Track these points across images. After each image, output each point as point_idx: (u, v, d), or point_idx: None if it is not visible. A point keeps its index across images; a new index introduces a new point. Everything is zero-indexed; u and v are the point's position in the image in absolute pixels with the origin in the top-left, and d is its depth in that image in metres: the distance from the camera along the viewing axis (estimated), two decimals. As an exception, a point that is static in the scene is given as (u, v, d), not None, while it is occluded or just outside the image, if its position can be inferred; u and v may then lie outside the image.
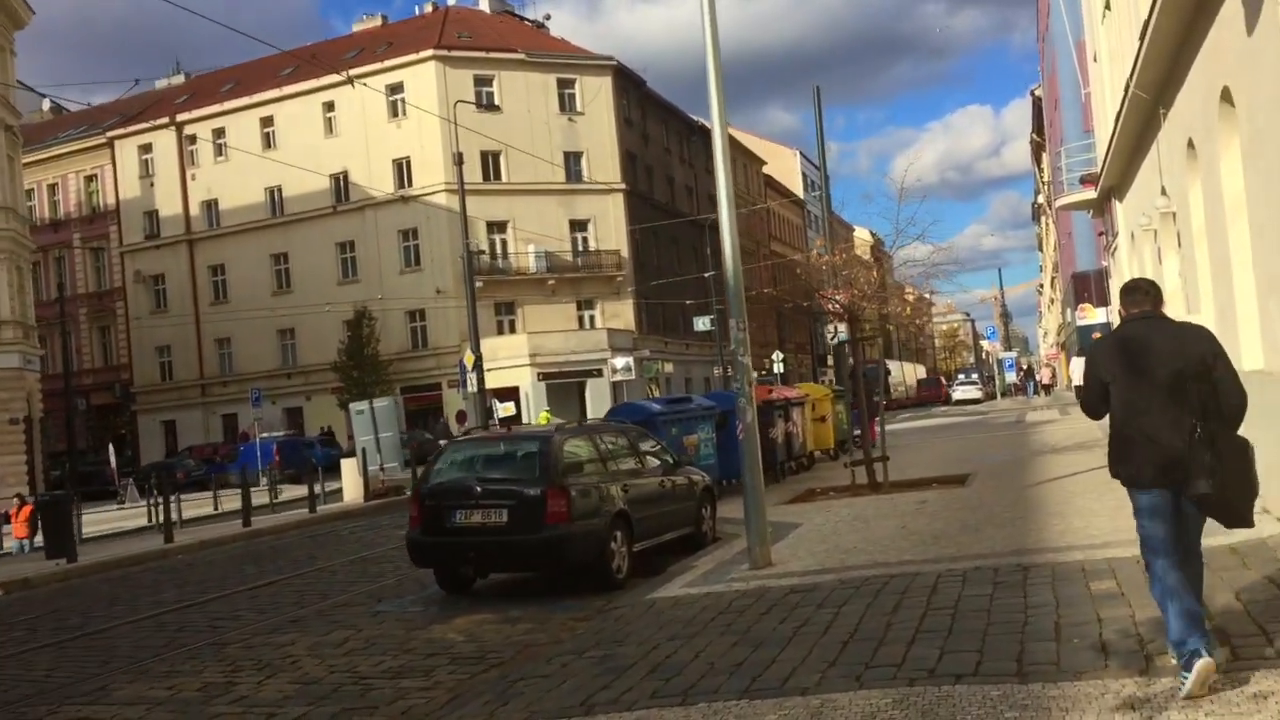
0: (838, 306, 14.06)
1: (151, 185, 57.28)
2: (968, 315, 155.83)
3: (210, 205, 56.08)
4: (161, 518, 21.44)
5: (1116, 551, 8.07)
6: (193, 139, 55.44)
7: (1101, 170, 22.39)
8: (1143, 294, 5.29)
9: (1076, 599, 6.69)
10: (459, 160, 31.46)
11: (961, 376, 72.99)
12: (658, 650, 6.77)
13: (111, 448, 36.35)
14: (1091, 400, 5.36)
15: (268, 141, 54.32)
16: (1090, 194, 24.18)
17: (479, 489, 9.46)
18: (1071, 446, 18.21)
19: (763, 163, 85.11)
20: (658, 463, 11.41)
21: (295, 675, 7.56)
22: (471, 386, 29.43)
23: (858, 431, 16.74)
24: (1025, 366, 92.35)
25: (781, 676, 5.78)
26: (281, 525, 19.38)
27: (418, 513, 9.73)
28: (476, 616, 9.07)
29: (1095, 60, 25.18)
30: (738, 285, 9.55)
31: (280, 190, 53.99)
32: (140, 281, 57.33)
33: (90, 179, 59.09)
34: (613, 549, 9.72)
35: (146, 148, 56.96)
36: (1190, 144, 12.72)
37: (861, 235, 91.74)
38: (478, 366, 29.23)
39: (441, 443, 18.00)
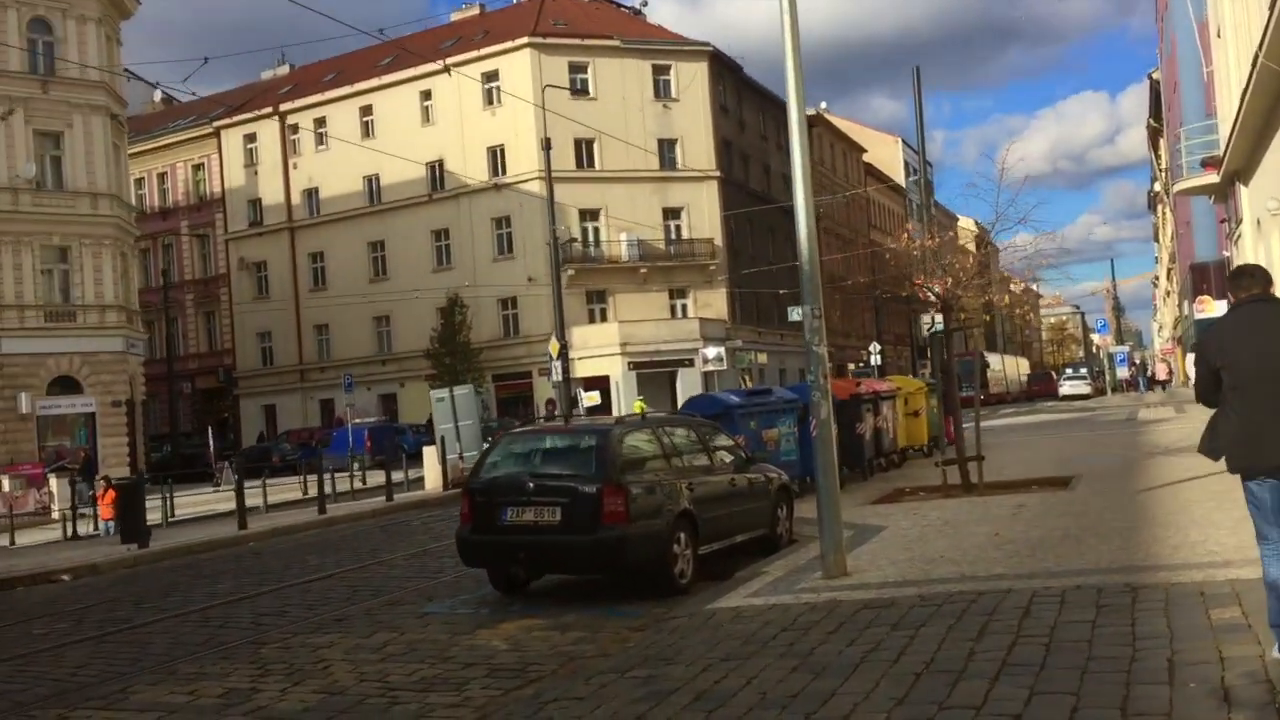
0: (931, 294, 13.11)
1: (255, 174, 58.32)
2: (1077, 308, 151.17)
3: (311, 193, 56.85)
4: (253, 500, 21.65)
5: (1241, 572, 7.09)
6: (295, 128, 56.26)
7: (1225, 152, 20.87)
8: (1250, 278, 5.17)
9: (1194, 631, 5.77)
10: (546, 146, 31.12)
11: (1069, 371, 70.20)
12: (708, 673, 6.05)
13: (210, 431, 36.84)
14: (1204, 387, 5.32)
15: (366, 130, 54.78)
16: (1212, 178, 22.62)
17: (531, 485, 8.85)
18: (1188, 448, 16.85)
19: (863, 150, 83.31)
20: (729, 459, 10.66)
21: (323, 682, 7.04)
22: (557, 375, 28.96)
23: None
24: (1138, 361, 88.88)
25: (840, 714, 5.01)
26: (357, 514, 19.14)
27: (468, 509, 9.16)
28: (526, 621, 8.46)
29: (1219, 36, 23.53)
30: (813, 269, 8.74)
31: (378, 179, 54.43)
32: (243, 268, 58.45)
33: (197, 168, 60.42)
34: (675, 552, 9.02)
35: (251, 137, 57.97)
36: (1329, 116, 11.48)
37: (966, 225, 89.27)
38: (563, 355, 28.75)
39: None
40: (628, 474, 8.86)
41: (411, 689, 6.75)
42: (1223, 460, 5.37)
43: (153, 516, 19.37)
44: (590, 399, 28.16)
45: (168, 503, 20.39)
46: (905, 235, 13.65)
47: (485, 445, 23.41)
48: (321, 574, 11.98)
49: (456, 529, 9.47)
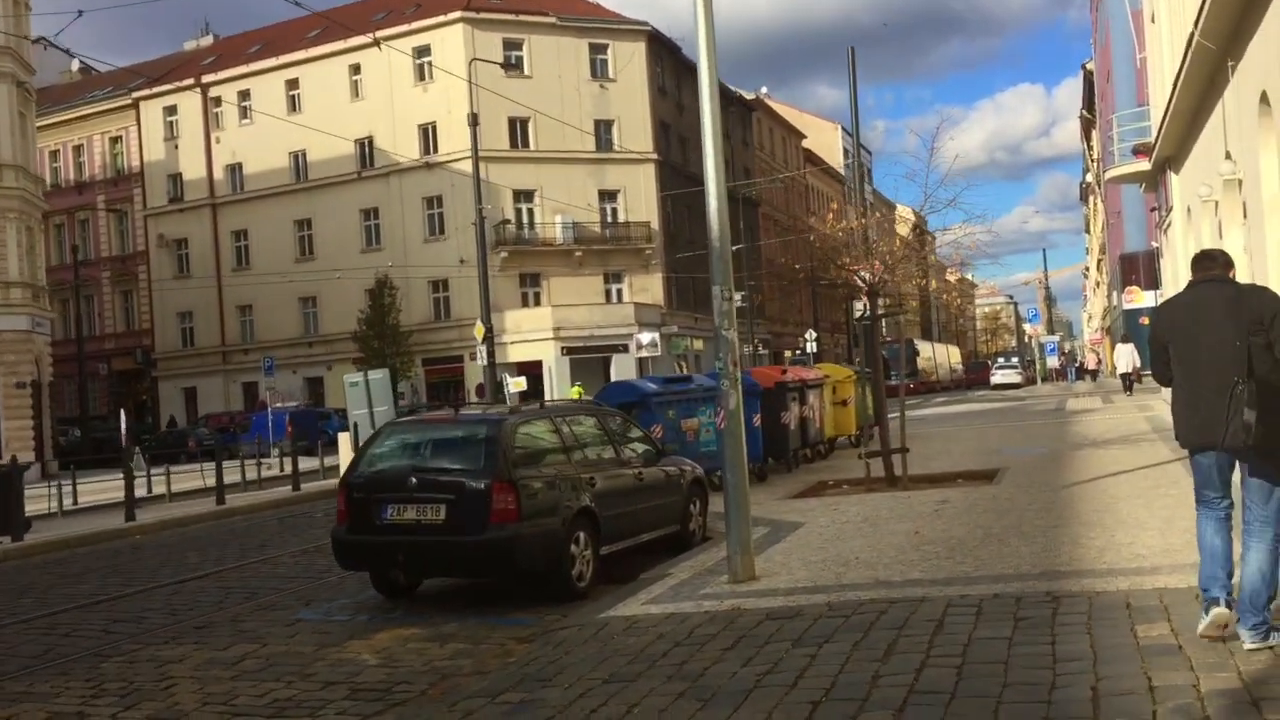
0: (858, 279, 12.54)
1: (176, 148, 56.42)
2: (1010, 298, 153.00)
3: (234, 169, 55.14)
4: (161, 489, 20.55)
5: (1170, 580, 6.57)
6: (218, 101, 54.51)
7: (1157, 139, 20.61)
8: (1211, 260, 5.30)
9: (1120, 652, 5.20)
10: (474, 122, 30.18)
11: (1001, 360, 70.63)
12: (587, 698, 5.38)
13: (124, 414, 35.35)
14: (1156, 365, 5.43)
15: (293, 105, 53.16)
16: (1143, 165, 22.39)
17: (414, 480, 8.09)
18: (1115, 440, 16.59)
19: (802, 136, 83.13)
20: (639, 451, 9.99)
21: (160, 705, 6.25)
22: (483, 359, 28.15)
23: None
24: (1067, 350, 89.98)
25: (722, 756, 4.36)
26: (258, 504, 18.18)
27: (344, 506, 8.37)
28: (404, 630, 7.72)
29: (1153, 21, 23.31)
30: (723, 247, 8.08)
31: (304, 155, 52.95)
32: (163, 246, 56.59)
33: (115, 140, 58.35)
34: (573, 553, 8.33)
35: (171, 109, 56.07)
36: (1264, 98, 11.06)
37: (904, 213, 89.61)
38: (489, 339, 27.92)
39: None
40: (521, 468, 8.13)
41: (259, 713, 5.99)
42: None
43: (45, 506, 18.31)
44: (517, 385, 27.39)
45: (60, 491, 19.20)
46: (831, 216, 13.04)
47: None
48: (198, 573, 11.10)
49: (332, 528, 8.68)
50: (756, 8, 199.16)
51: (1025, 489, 11.52)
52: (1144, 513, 9.23)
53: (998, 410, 30.74)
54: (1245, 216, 12.86)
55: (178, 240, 56.56)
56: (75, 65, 65.88)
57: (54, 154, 59.57)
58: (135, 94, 56.46)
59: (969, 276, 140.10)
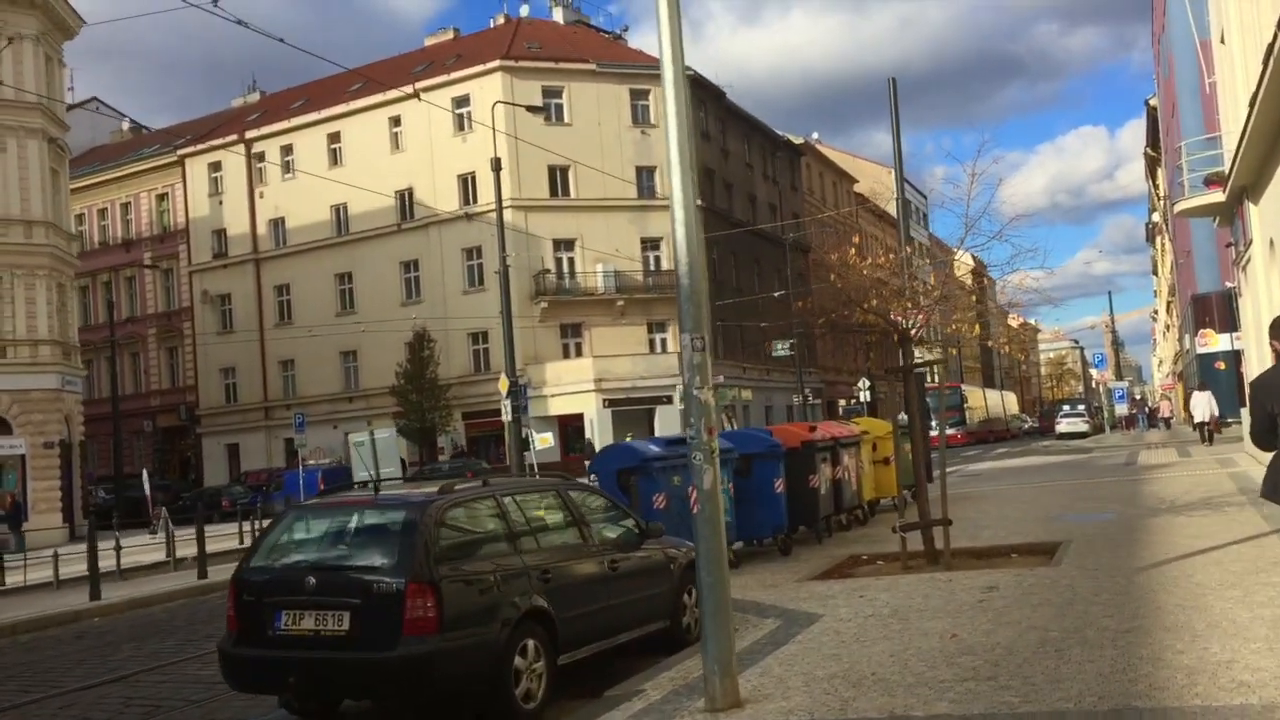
0: (885, 322, 10.84)
1: (220, 204, 56.32)
2: (1076, 342, 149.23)
3: (277, 224, 54.82)
4: (185, 551, 19.15)
5: (1290, 726, 4.77)
6: (261, 156, 54.30)
7: (1231, 167, 18.68)
8: None
9: None
10: (496, 166, 29.07)
11: (1066, 408, 67.39)
12: None
13: (145, 473, 34.44)
14: (1259, 430, 6.09)
15: (334, 158, 52.88)
16: (1217, 196, 20.43)
17: (313, 580, 6.51)
18: (1196, 504, 14.55)
19: (854, 180, 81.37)
20: (614, 534, 8.35)
21: None
22: (508, 414, 26.71)
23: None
24: (1139, 397, 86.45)
25: None
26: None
27: (234, 610, 6.81)
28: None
29: (1223, 42, 21.44)
30: (694, 283, 6.47)
31: (345, 208, 52.45)
32: (207, 302, 56.30)
33: (161, 198, 58.45)
34: (519, 666, 6.68)
35: (216, 165, 56.00)
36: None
37: (965, 260, 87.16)
38: (514, 392, 26.48)
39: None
40: (447, 563, 6.51)
41: None
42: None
43: (47, 574, 17.04)
44: (543, 441, 25.87)
45: (57, 560, 17.86)
46: (852, 250, 11.40)
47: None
48: (115, 674, 9.58)
49: (220, 638, 7.11)
50: (810, 56, 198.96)
51: (1091, 572, 9.63)
52: (1243, 611, 7.36)
53: (1062, 465, 28.51)
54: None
55: (221, 296, 56.23)
56: (126, 125, 66.60)
57: (102, 212, 59.88)
58: (180, 151, 56.55)
59: (1032, 321, 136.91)
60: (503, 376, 27.49)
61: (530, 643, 6.82)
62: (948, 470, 11.95)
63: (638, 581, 8.12)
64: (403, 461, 42.72)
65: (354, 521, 6.95)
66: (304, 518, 7.33)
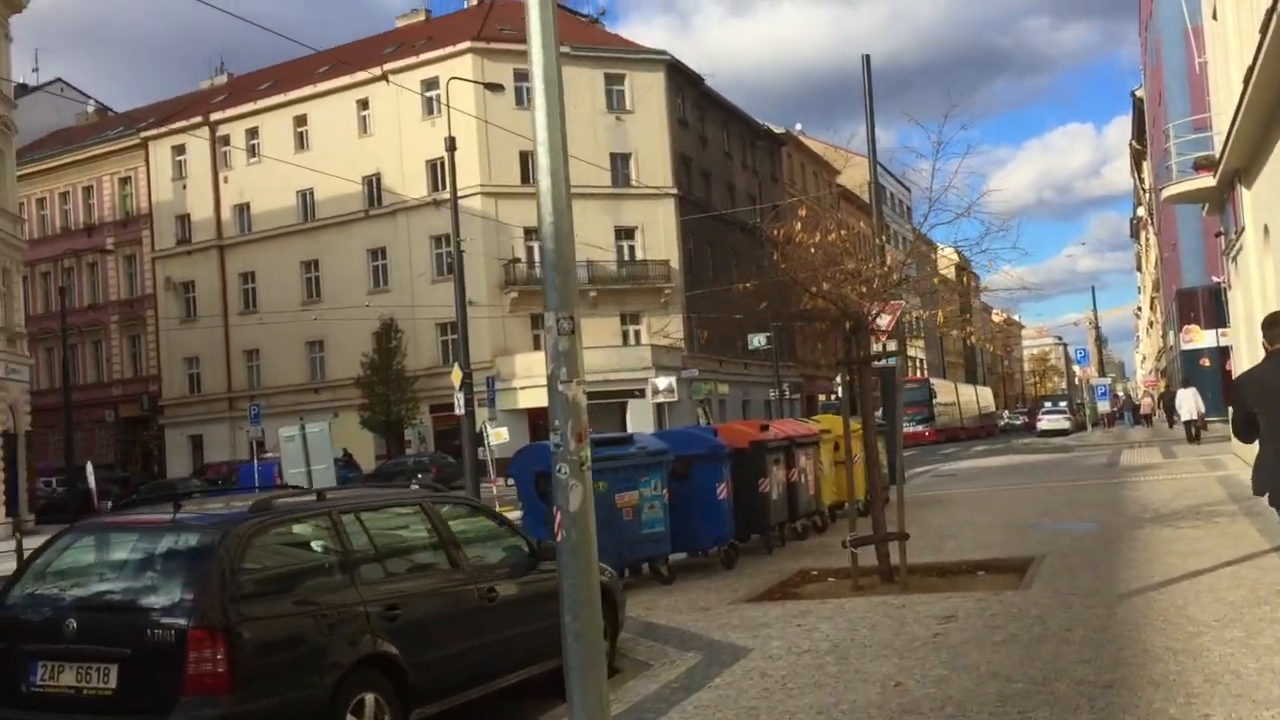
0: (835, 307, 9.51)
1: (184, 188, 54.72)
2: (1059, 339, 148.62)
3: (242, 209, 53.27)
4: None
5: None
6: (226, 140, 52.70)
7: (1223, 150, 17.46)
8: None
9: None
10: (451, 146, 27.60)
11: (1048, 405, 66.16)
12: None
13: (90, 466, 33.00)
14: (1240, 426, 6.30)
15: (301, 142, 51.37)
16: (1207, 181, 19.19)
17: (74, 624, 5.19)
18: (1185, 512, 13.30)
19: (836, 172, 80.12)
20: (499, 555, 7.03)
21: None
22: (460, 407, 25.39)
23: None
24: (1122, 394, 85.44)
25: None
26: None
27: (-21, 661, 5.46)
28: None
29: (1215, 17, 20.21)
30: (562, 248, 5.18)
31: (312, 194, 50.93)
32: (170, 289, 54.73)
33: (124, 182, 56.81)
34: (354, 729, 5.36)
35: (180, 149, 54.37)
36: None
37: (949, 255, 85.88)
38: (466, 385, 25.17)
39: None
40: (250, 602, 5.18)
41: None
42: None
43: None
44: (498, 436, 24.51)
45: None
46: (798, 225, 10.06)
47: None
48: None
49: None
50: (799, 49, 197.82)
51: (1065, 598, 8.34)
52: (1248, 660, 6.08)
53: (1041, 464, 27.29)
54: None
55: (185, 283, 54.65)
56: (91, 108, 64.85)
57: (64, 196, 58.20)
58: (144, 134, 54.93)
59: (1015, 317, 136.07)
60: (455, 368, 26.19)
61: (369, 698, 5.50)
62: (920, 471, 10.67)
63: (526, 612, 6.79)
64: (347, 455, 41.30)
65: (141, 547, 5.58)
66: (84, 540, 5.95)
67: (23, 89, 60.78)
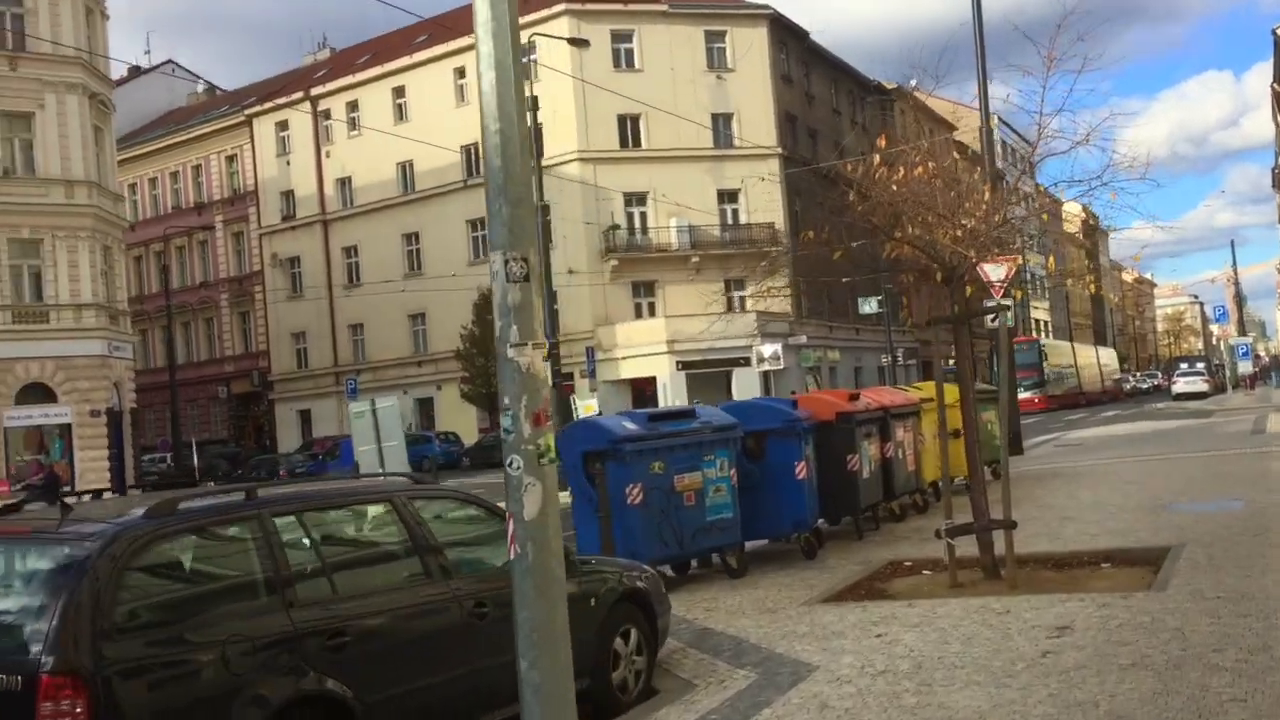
0: (927, 255, 8.05)
1: (288, 164, 55.02)
2: (1195, 297, 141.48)
3: (344, 183, 53.34)
4: None
5: None
6: (326, 114, 52.69)
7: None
8: None
9: None
10: (533, 106, 26.37)
11: (1184, 366, 62.04)
12: None
13: (194, 443, 33.15)
14: None
15: (400, 114, 51.03)
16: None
17: None
18: (1350, 488, 11.42)
19: (953, 128, 76.67)
20: (497, 560, 5.81)
21: None
22: (537, 380, 24.34)
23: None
24: (1266, 355, 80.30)
25: None
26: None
27: None
28: None
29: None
30: (512, 167, 3.92)
31: (411, 166, 50.61)
32: (276, 265, 55.20)
33: (231, 159, 57.40)
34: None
35: (283, 125, 54.66)
36: None
37: (1074, 210, 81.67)
38: (551, 355, 24.09)
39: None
40: (129, 637, 4.04)
41: None
42: None
43: None
44: (588, 408, 23.43)
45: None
46: (876, 159, 8.59)
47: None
48: None
49: None
50: (914, 5, 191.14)
51: (1210, 604, 6.78)
52: None
53: (1178, 431, 25.02)
54: None
55: (291, 259, 55.05)
56: (200, 88, 65.90)
57: (174, 175, 59.19)
58: (248, 111, 55.36)
59: (1148, 275, 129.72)
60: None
61: (294, 755, 4.35)
62: (1040, 440, 9.16)
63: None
64: (443, 435, 40.78)
65: (3, 565, 4.48)
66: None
67: (136, 70, 62.14)
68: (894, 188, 8.18)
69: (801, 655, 6.55)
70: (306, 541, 4.90)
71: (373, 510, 5.48)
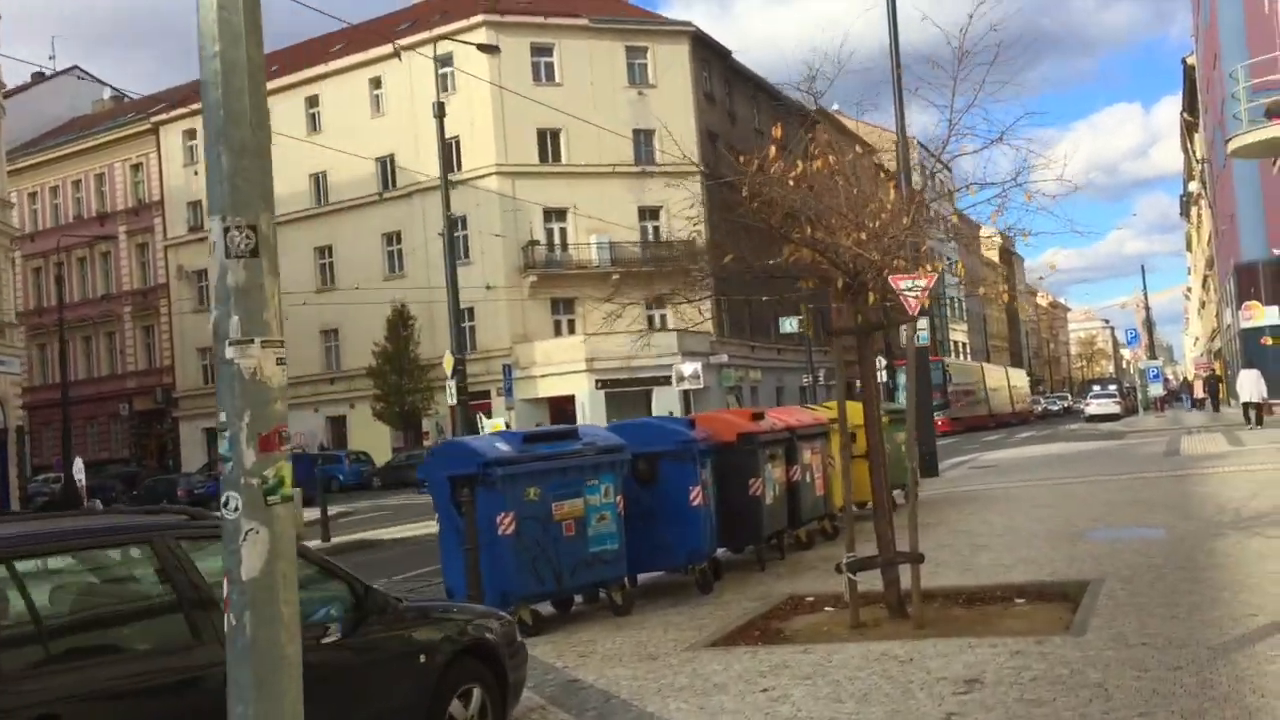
0: (827, 261, 7.30)
1: (196, 174, 53.00)
2: (1106, 322, 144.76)
3: (254, 194, 51.54)
4: None
5: None
6: (236, 123, 50.98)
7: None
8: None
9: None
10: (439, 113, 25.48)
11: (1097, 388, 62.66)
12: None
13: (79, 462, 31.36)
14: None
15: (313, 123, 49.60)
16: (1277, 130, 16.65)
17: None
18: (1270, 514, 10.91)
19: (876, 152, 77.05)
20: (299, 613, 4.86)
21: None
22: (452, 398, 23.36)
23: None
24: (1174, 377, 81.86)
25: None
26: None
27: None
28: None
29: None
30: (231, 102, 3.02)
31: (325, 177, 49.23)
32: (183, 278, 53.22)
33: (136, 168, 55.35)
34: None
35: (191, 134, 52.73)
36: None
37: (990, 232, 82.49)
38: (457, 372, 23.13)
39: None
40: None
41: None
42: None
43: None
44: (494, 426, 22.47)
45: None
46: (772, 150, 7.86)
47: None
48: None
49: None
50: (839, 33, 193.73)
51: (1136, 652, 6.06)
52: None
53: (1092, 453, 24.79)
54: None
55: (198, 271, 53.00)
56: (107, 94, 63.66)
57: (76, 184, 56.89)
58: (155, 119, 53.43)
59: (1061, 300, 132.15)
60: (447, 354, 24.11)
61: None
62: (956, 461, 8.49)
63: (335, 692, 4.60)
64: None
65: None
66: None
67: (40, 76, 59.77)
68: (790, 183, 7.43)
69: (674, 717, 5.68)
70: (17, 598, 3.87)
71: (126, 555, 4.44)
